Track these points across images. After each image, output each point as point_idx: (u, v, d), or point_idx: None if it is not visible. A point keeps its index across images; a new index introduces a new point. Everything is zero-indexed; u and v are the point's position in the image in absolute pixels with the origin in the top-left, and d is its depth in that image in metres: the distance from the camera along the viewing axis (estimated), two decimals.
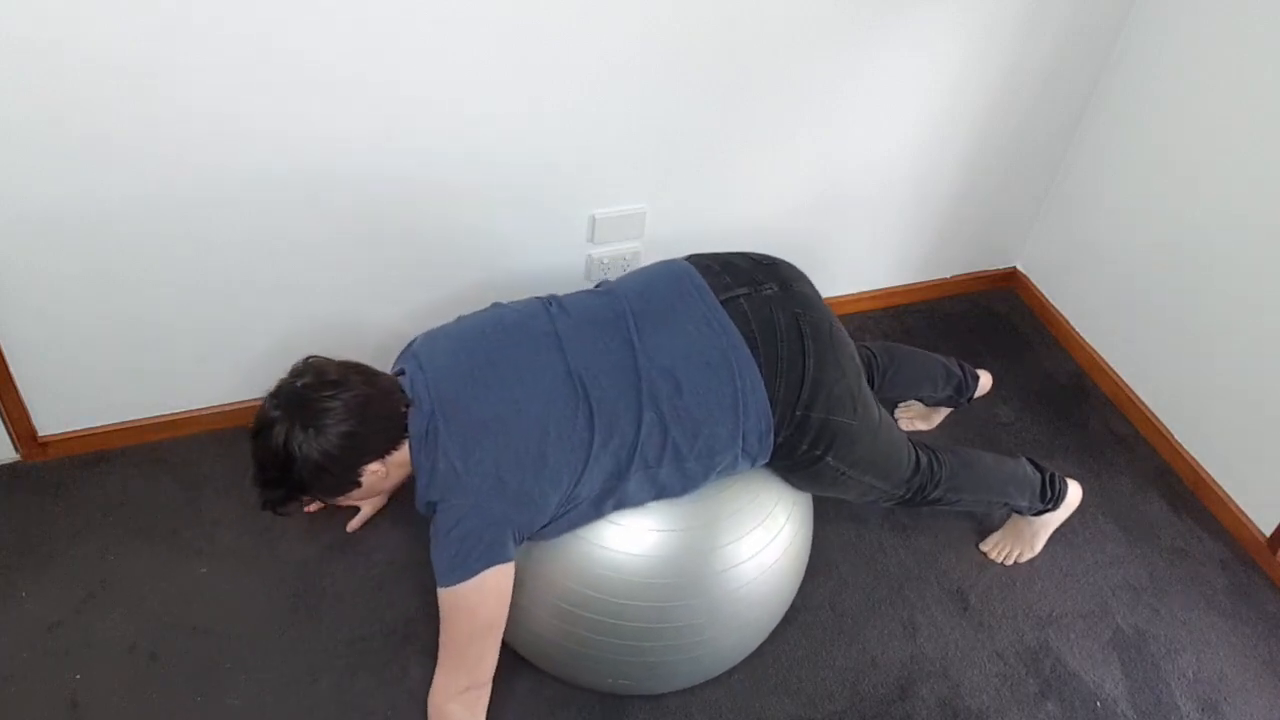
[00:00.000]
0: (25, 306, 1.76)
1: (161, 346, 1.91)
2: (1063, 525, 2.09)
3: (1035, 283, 2.67)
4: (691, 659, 1.61)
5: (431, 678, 1.44)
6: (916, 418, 2.29)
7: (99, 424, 2.00)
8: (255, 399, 2.08)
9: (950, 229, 2.52)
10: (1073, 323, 2.55)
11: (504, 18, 1.68)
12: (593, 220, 2.06)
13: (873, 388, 1.99)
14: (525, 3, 1.67)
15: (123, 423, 2.01)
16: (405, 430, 1.43)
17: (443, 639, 1.44)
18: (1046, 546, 2.05)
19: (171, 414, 2.04)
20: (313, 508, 1.88)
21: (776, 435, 1.52)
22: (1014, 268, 2.73)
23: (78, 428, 1.99)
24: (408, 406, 1.44)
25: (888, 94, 2.12)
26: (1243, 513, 2.13)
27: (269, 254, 1.84)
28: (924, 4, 1.99)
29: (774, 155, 2.12)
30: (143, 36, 1.49)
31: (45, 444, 1.97)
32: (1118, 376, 2.42)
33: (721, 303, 1.54)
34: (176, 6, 1.48)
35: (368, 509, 1.90)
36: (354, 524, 1.90)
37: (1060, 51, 2.22)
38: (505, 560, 1.39)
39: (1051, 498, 1.92)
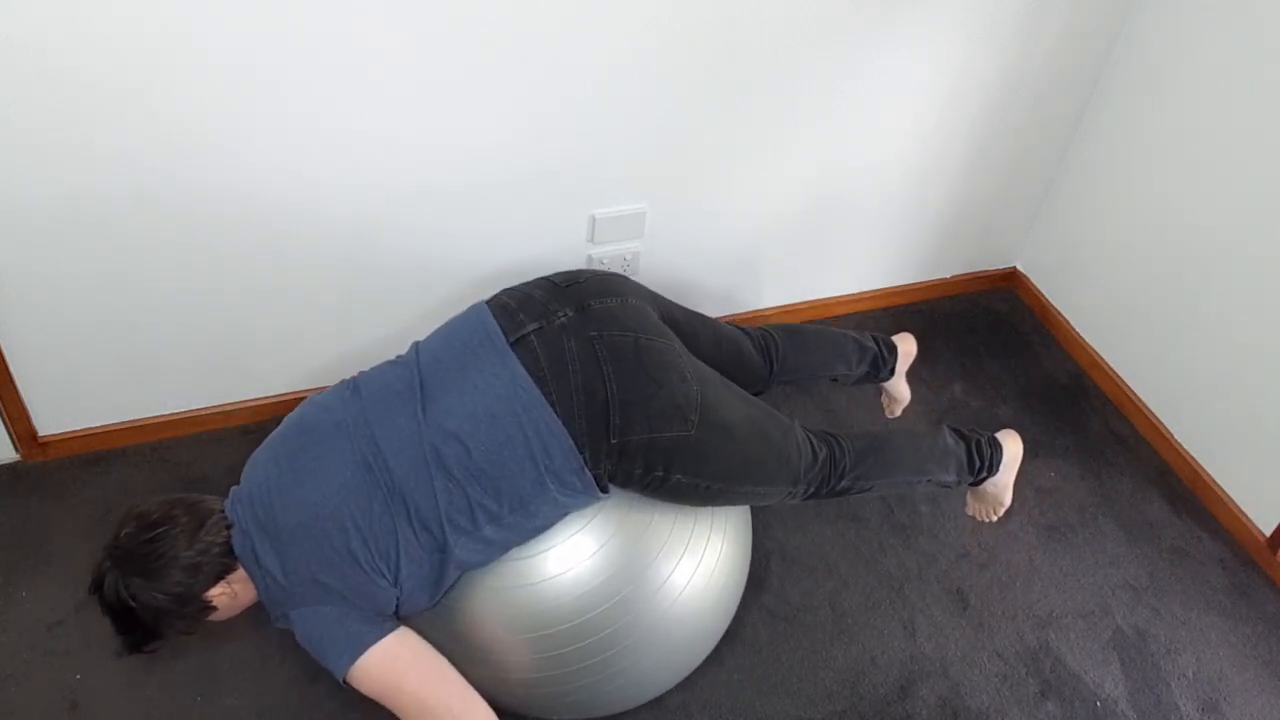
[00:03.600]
0: (25, 306, 1.76)
1: (161, 346, 1.91)
2: (1062, 523, 2.09)
3: (1035, 283, 2.67)
4: (635, 684, 1.58)
5: None
6: (889, 400, 2.19)
7: (99, 424, 2.00)
8: (255, 399, 2.08)
9: (950, 229, 2.52)
10: (1073, 323, 2.55)
11: (504, 18, 1.68)
12: (593, 220, 2.06)
13: (771, 371, 1.90)
14: (525, 3, 1.67)
15: (123, 423, 2.01)
16: (234, 552, 1.43)
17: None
18: (1046, 546, 2.05)
19: (171, 414, 2.04)
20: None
21: (595, 468, 1.43)
22: (1014, 268, 2.73)
23: (78, 428, 1.99)
24: (229, 528, 1.44)
25: (888, 94, 2.12)
26: (1243, 513, 2.13)
27: (267, 255, 1.84)
28: (924, 4, 1.99)
29: (774, 155, 2.12)
30: (143, 37, 1.50)
31: (45, 444, 1.97)
32: (1118, 376, 2.42)
33: (513, 344, 1.47)
34: (177, 10, 1.48)
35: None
36: None
37: (1060, 51, 2.22)
38: (369, 645, 1.38)
39: (984, 466, 1.84)
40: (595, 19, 1.74)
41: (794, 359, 1.92)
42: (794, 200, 2.24)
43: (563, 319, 1.50)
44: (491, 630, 1.49)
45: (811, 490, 1.66)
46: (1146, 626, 1.95)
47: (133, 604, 1.37)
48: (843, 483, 1.68)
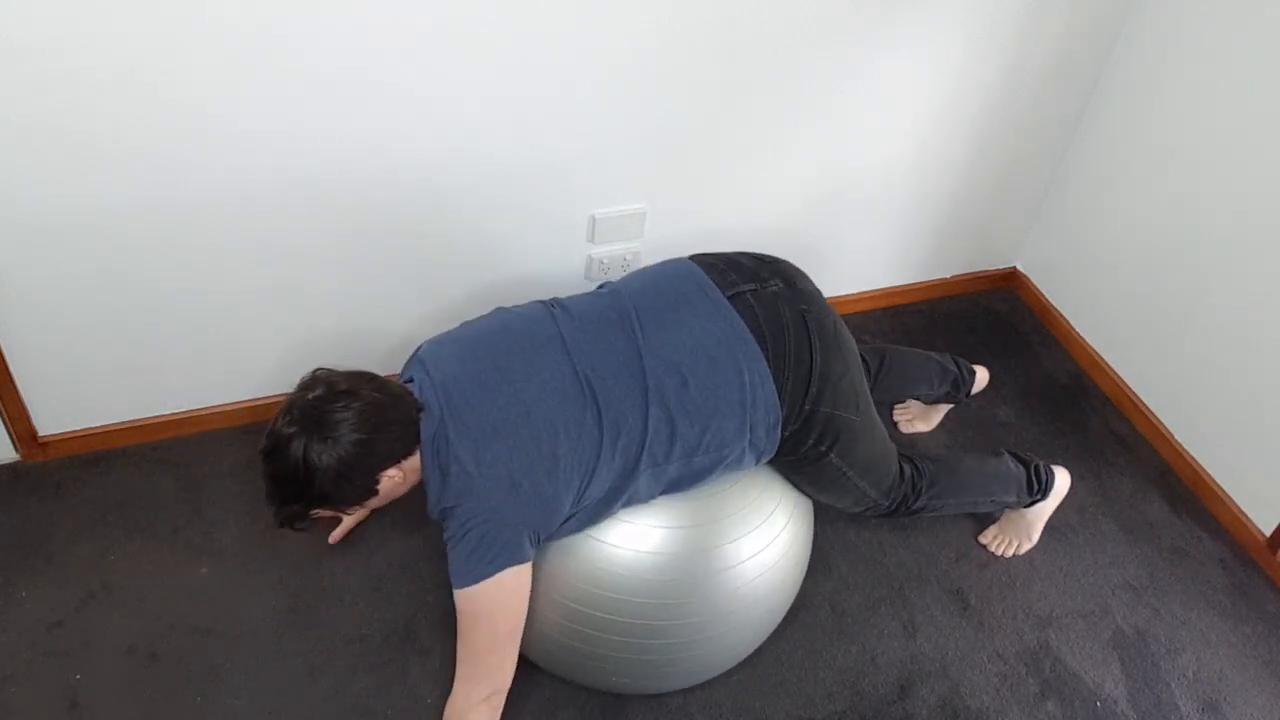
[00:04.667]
0: (25, 307, 1.76)
1: (161, 346, 1.91)
2: (1062, 523, 2.09)
3: (1035, 283, 2.67)
4: (692, 657, 1.61)
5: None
6: (915, 418, 2.29)
7: (99, 424, 2.00)
8: (255, 399, 2.08)
9: (950, 229, 2.52)
10: (1073, 323, 2.55)
11: (504, 19, 1.68)
12: (593, 220, 2.06)
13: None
14: (525, 4, 1.67)
15: (123, 423, 2.01)
16: (418, 436, 1.44)
17: (462, 648, 1.44)
18: (1046, 546, 2.05)
19: (171, 414, 2.04)
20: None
21: (784, 429, 1.53)
22: (1014, 268, 2.73)
23: (78, 428, 1.99)
24: (419, 412, 1.44)
25: (888, 94, 2.12)
26: (1243, 513, 2.13)
27: (267, 255, 1.84)
28: (924, 4, 1.99)
29: (774, 155, 2.12)
30: (143, 37, 1.50)
31: (45, 444, 1.97)
32: (1118, 376, 2.42)
33: (728, 299, 1.55)
34: (177, 9, 1.48)
35: (349, 520, 1.89)
36: (336, 535, 1.89)
37: (1060, 51, 2.22)
38: (523, 561, 1.40)
39: (1039, 489, 1.93)
40: (595, 19, 1.74)
41: (887, 378, 2.04)
42: (794, 200, 2.24)
43: (775, 287, 1.59)
44: (566, 582, 1.52)
45: (893, 506, 1.77)
46: (1146, 626, 1.95)
47: (315, 464, 1.35)
48: (919, 502, 1.80)
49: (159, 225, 1.73)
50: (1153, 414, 2.33)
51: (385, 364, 2.02)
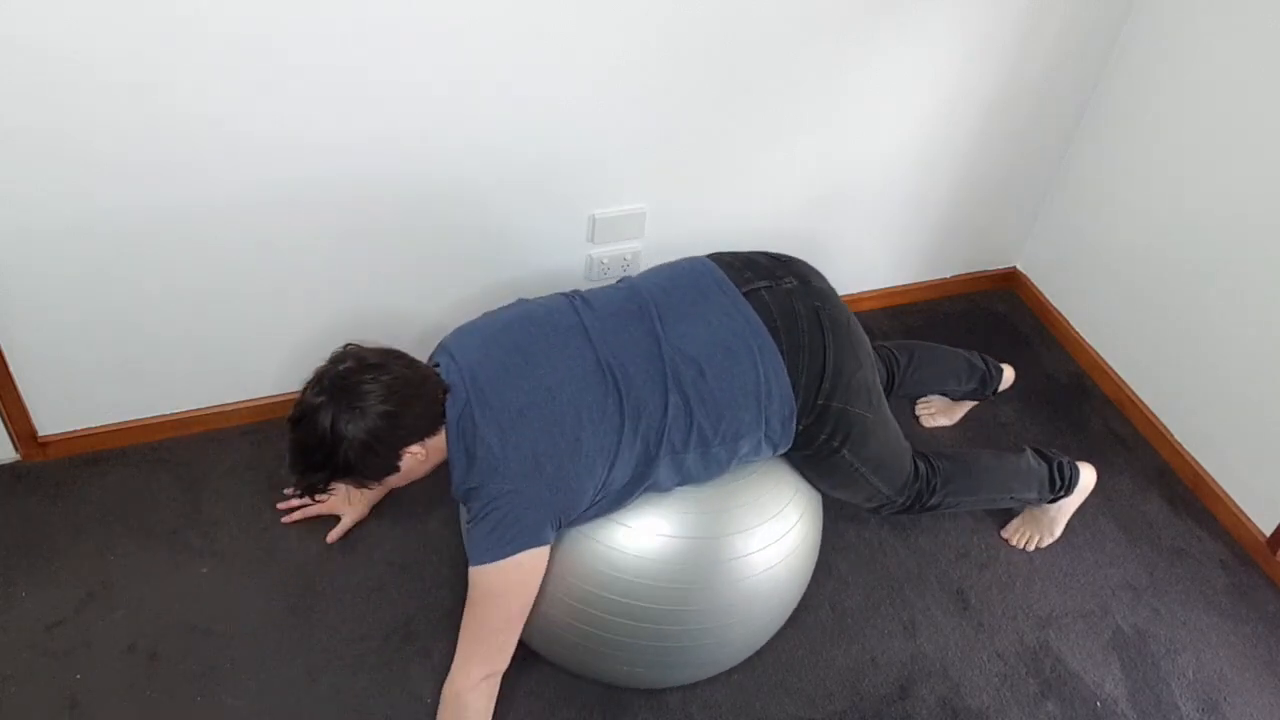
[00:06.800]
0: (25, 307, 1.76)
1: (161, 346, 1.91)
2: (1069, 522, 2.09)
3: (1035, 283, 2.67)
4: (701, 648, 1.61)
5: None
6: (939, 413, 2.29)
7: (99, 424, 2.00)
8: (255, 399, 2.08)
9: (950, 229, 2.52)
10: (1073, 323, 2.55)
11: (504, 18, 1.68)
12: (593, 220, 2.06)
13: (893, 386, 2.02)
14: (525, 4, 1.67)
15: (123, 423, 2.01)
16: (444, 415, 1.46)
17: (469, 626, 1.45)
18: (1046, 546, 2.05)
19: (171, 414, 2.04)
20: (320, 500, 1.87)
21: (798, 422, 1.55)
22: (1014, 268, 2.73)
23: (78, 428, 1.98)
24: (445, 392, 1.46)
25: (888, 94, 2.12)
26: (1243, 513, 2.13)
27: (267, 257, 1.84)
28: (924, 4, 1.99)
29: (774, 155, 2.12)
30: (144, 39, 1.50)
31: (45, 444, 1.97)
32: (1118, 376, 2.42)
33: (744, 294, 1.58)
34: (176, 13, 1.48)
35: (348, 520, 1.90)
36: (334, 535, 1.89)
37: (1060, 52, 2.22)
38: (543, 544, 1.42)
39: (1063, 485, 1.93)
40: (595, 19, 1.74)
41: (914, 375, 2.05)
42: (794, 200, 2.24)
43: (789, 285, 1.62)
44: (571, 578, 1.53)
45: (908, 503, 1.78)
46: (1146, 626, 1.95)
47: (343, 432, 1.37)
48: (934, 499, 1.80)
49: (159, 226, 1.73)
50: (1153, 414, 2.33)
51: None
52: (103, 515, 1.91)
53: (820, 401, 1.56)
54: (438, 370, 1.50)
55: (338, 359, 1.44)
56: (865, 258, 2.48)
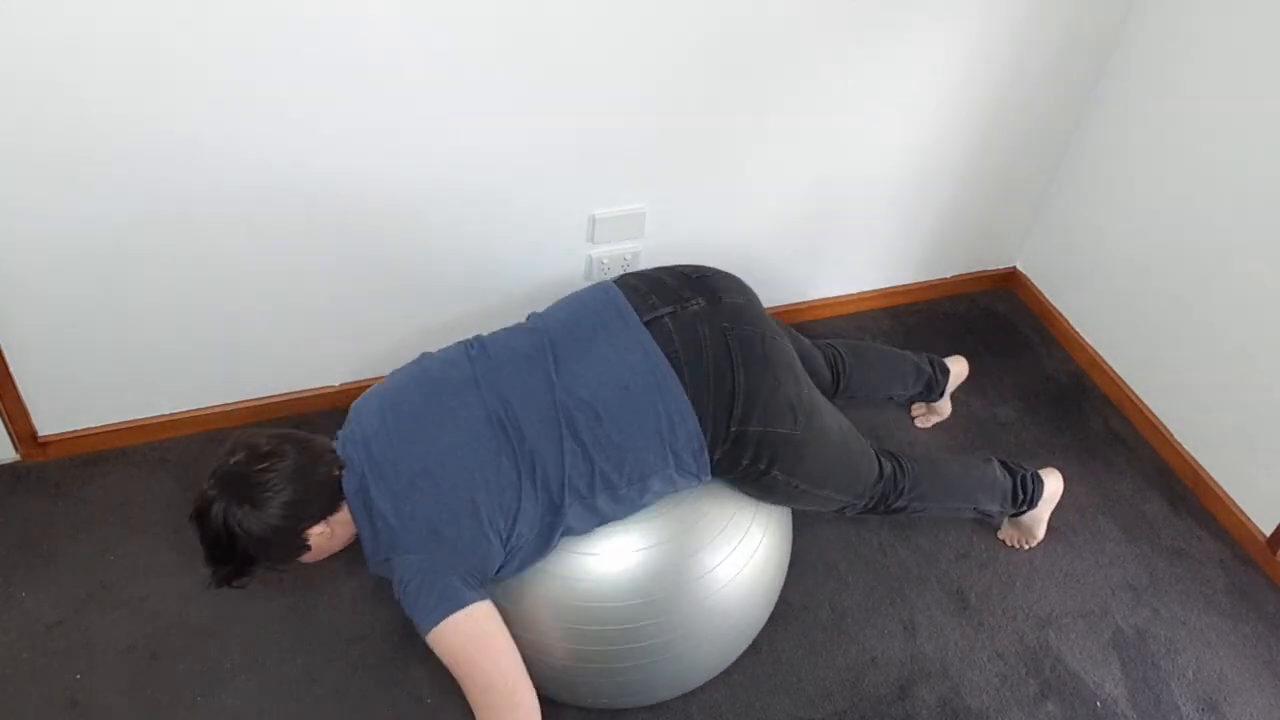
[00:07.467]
0: (25, 307, 1.76)
1: (161, 347, 1.91)
2: (1062, 523, 2.09)
3: (1035, 283, 2.67)
4: (664, 674, 1.60)
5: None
6: (929, 413, 2.29)
7: (99, 424, 2.00)
8: (255, 399, 2.08)
9: (950, 229, 2.52)
10: (1073, 323, 2.55)
11: (504, 18, 1.68)
12: (593, 220, 2.06)
13: (838, 387, 2.00)
14: (525, 4, 1.67)
15: (123, 423, 2.01)
16: (342, 492, 1.45)
17: (465, 689, 1.41)
18: (1046, 546, 2.05)
19: (171, 414, 2.04)
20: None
21: (712, 453, 1.50)
22: (1014, 268, 2.73)
23: (78, 428, 1.99)
24: (341, 469, 1.45)
25: (888, 94, 2.12)
26: (1243, 513, 2.13)
27: (267, 255, 1.84)
28: (925, 4, 1.99)
29: (774, 155, 2.12)
30: (142, 39, 1.50)
31: (45, 444, 1.97)
32: (1118, 376, 2.42)
33: (646, 324, 1.54)
34: (174, 26, 1.48)
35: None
36: None
37: (1060, 51, 2.22)
38: (462, 606, 1.37)
39: (1025, 500, 1.93)
40: (595, 20, 1.74)
41: (858, 377, 2.03)
42: (794, 200, 2.24)
43: (695, 307, 1.56)
44: (536, 611, 1.51)
45: (871, 504, 1.75)
46: (1146, 626, 1.95)
47: (236, 531, 1.36)
48: (899, 501, 1.78)
49: (159, 228, 1.73)
50: (1153, 414, 2.33)
51: (386, 363, 2.01)
52: (103, 515, 1.91)
53: (734, 428, 1.49)
54: (333, 445, 1.49)
55: (229, 451, 1.42)
56: (865, 258, 2.48)
